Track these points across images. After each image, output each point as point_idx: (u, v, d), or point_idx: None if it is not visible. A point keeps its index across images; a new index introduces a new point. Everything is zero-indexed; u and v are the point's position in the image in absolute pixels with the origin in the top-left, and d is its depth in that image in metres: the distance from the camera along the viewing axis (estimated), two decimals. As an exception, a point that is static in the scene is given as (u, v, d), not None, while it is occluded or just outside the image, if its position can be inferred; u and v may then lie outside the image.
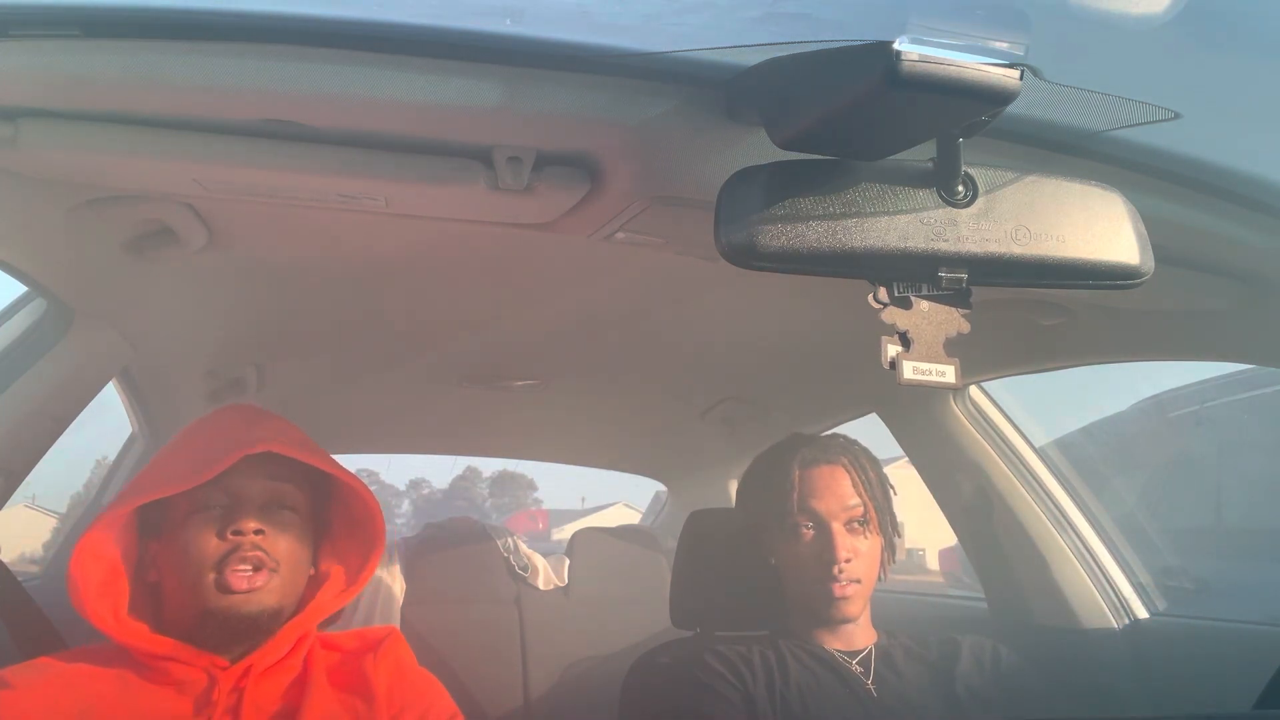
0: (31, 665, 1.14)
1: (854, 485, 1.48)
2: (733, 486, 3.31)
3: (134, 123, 1.02)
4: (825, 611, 1.46)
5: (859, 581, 1.45)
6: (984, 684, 1.47)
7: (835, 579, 1.43)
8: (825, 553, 1.44)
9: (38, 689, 1.09)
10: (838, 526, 1.45)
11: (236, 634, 1.15)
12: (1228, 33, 0.98)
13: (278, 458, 1.20)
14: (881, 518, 1.49)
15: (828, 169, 0.84)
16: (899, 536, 1.54)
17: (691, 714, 1.41)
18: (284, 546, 1.18)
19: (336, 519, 1.30)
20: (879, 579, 1.52)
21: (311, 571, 1.26)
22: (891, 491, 1.54)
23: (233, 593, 1.12)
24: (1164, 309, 1.46)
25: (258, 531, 1.15)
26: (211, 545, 1.14)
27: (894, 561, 1.53)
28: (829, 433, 1.62)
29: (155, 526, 1.20)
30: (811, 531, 1.46)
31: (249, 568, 1.14)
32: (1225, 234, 1.19)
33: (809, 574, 1.46)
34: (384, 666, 1.24)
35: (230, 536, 1.14)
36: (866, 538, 1.46)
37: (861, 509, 1.46)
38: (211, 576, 1.13)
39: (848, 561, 1.43)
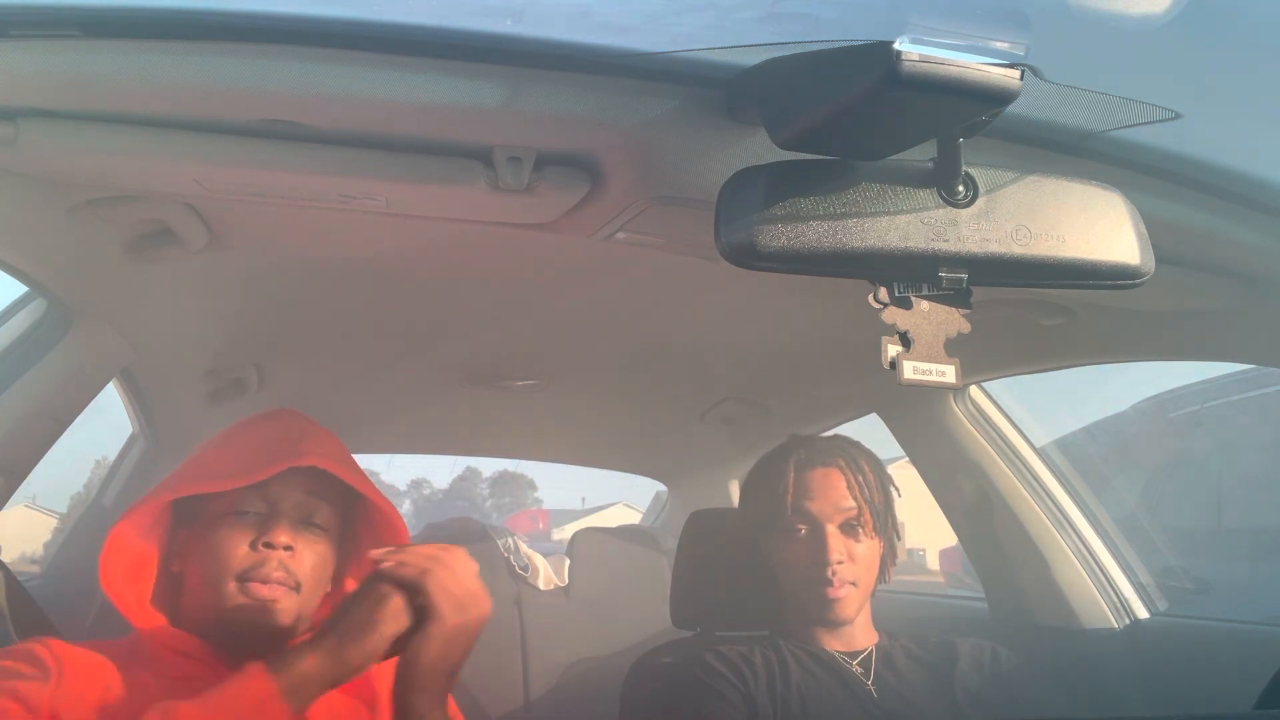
0: (65, 643, 1.11)
1: (849, 487, 1.47)
2: (733, 486, 3.32)
3: (134, 123, 1.02)
4: (820, 614, 1.46)
5: (854, 584, 1.44)
6: (984, 685, 1.47)
7: (828, 581, 1.43)
8: (818, 554, 1.44)
9: (67, 661, 1.07)
10: (832, 529, 1.45)
11: (247, 642, 1.13)
12: (1228, 33, 0.98)
13: (319, 473, 1.18)
14: (880, 520, 1.48)
15: (828, 169, 0.84)
16: (900, 539, 1.53)
17: (691, 714, 1.41)
18: (308, 565, 1.16)
19: (362, 538, 1.28)
20: (882, 581, 1.52)
21: (328, 589, 1.24)
22: (895, 493, 1.53)
23: (251, 600, 1.11)
24: (1164, 309, 1.46)
25: (287, 547, 1.14)
26: (241, 552, 1.13)
27: (895, 564, 1.53)
28: (831, 434, 1.62)
29: (188, 518, 1.18)
30: (805, 532, 1.46)
31: (273, 584, 1.13)
32: (1225, 234, 1.19)
33: (803, 576, 1.46)
34: (386, 668, 1.24)
35: (261, 548, 1.13)
36: (862, 541, 1.46)
37: (856, 511, 1.46)
38: (234, 585, 1.12)
39: (840, 564, 1.43)
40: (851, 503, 1.46)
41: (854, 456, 1.51)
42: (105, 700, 1.05)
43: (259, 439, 1.21)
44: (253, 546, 1.13)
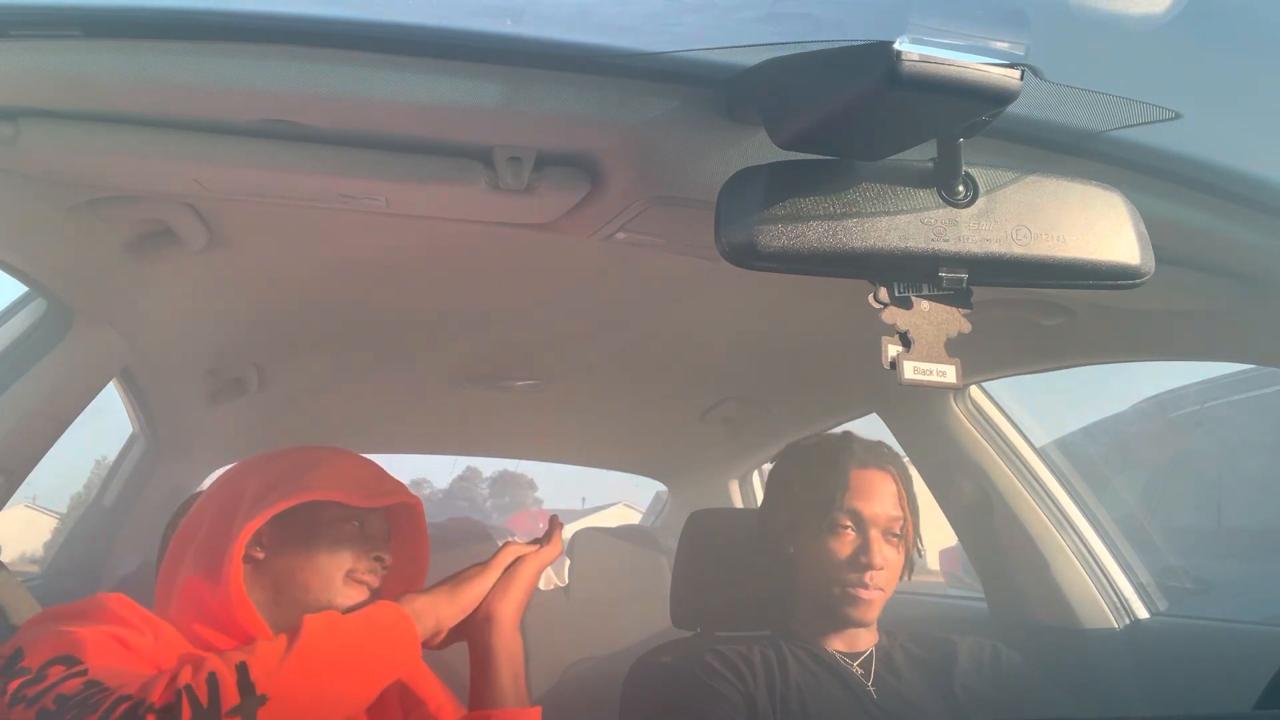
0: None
1: (899, 497, 1.48)
2: (733, 486, 3.32)
3: (134, 123, 1.02)
4: (844, 612, 1.45)
5: (883, 590, 1.45)
6: (984, 684, 1.47)
7: (864, 583, 1.43)
8: (861, 555, 1.43)
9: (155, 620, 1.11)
10: (876, 533, 1.45)
11: None
12: (1228, 33, 0.98)
13: (409, 517, 1.29)
14: (914, 533, 1.49)
15: (828, 169, 0.84)
16: (920, 555, 1.54)
17: (691, 714, 1.41)
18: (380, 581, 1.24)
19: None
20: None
21: None
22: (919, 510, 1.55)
23: (351, 600, 1.17)
24: (1164, 309, 1.46)
25: (385, 565, 1.23)
26: (352, 557, 1.20)
27: (909, 578, 1.53)
28: (876, 439, 1.62)
29: (286, 519, 1.21)
30: (852, 533, 1.45)
31: (371, 588, 1.20)
32: (1225, 234, 1.19)
33: (837, 574, 1.45)
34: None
35: (372, 559, 1.21)
36: (898, 551, 1.47)
37: (901, 521, 1.47)
38: (338, 583, 1.18)
39: (880, 569, 1.43)
40: (898, 512, 1.47)
41: (903, 467, 1.53)
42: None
43: (369, 466, 1.28)
44: (366, 554, 1.21)
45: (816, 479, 1.50)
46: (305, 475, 1.21)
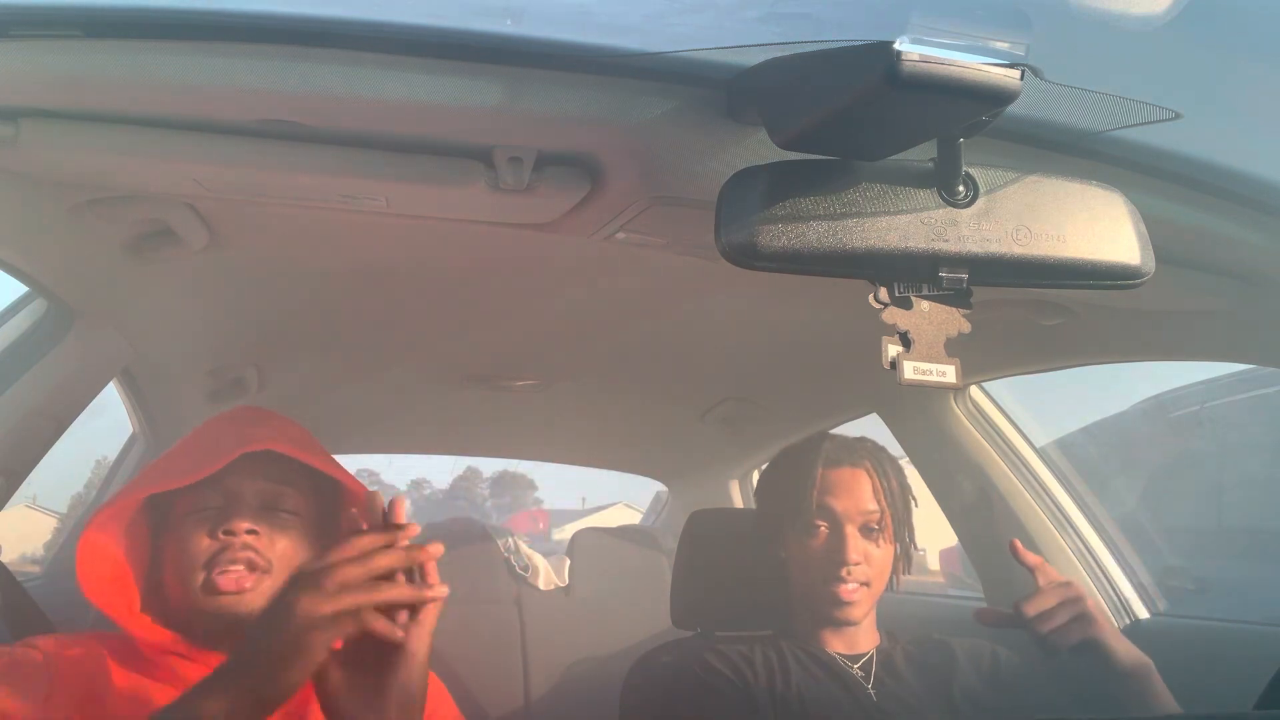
0: (56, 639, 1.11)
1: (874, 491, 1.47)
2: (733, 486, 3.32)
3: (134, 123, 1.02)
4: (829, 612, 1.46)
5: (866, 585, 1.45)
6: (984, 687, 1.47)
7: (843, 580, 1.43)
8: (836, 553, 1.44)
9: (60, 663, 1.07)
10: (851, 529, 1.45)
11: (232, 633, 1.13)
12: (1228, 33, 0.98)
13: (279, 458, 1.18)
14: (898, 527, 1.49)
15: (828, 169, 0.84)
16: (916, 548, 1.53)
17: (691, 714, 1.41)
18: (280, 548, 1.16)
19: (343, 523, 1.28)
20: (891, 588, 1.52)
21: None
22: (913, 503, 1.54)
23: (220, 594, 1.11)
24: (1164, 309, 1.46)
25: (250, 531, 1.14)
26: (203, 545, 1.13)
27: (907, 572, 1.53)
28: (859, 435, 1.61)
29: (161, 524, 1.20)
30: (826, 530, 1.46)
31: (240, 568, 1.12)
32: (1225, 234, 1.19)
33: (817, 572, 1.45)
34: None
35: (221, 536, 1.13)
36: (880, 545, 1.46)
37: (878, 515, 1.46)
38: (201, 576, 1.11)
39: (857, 565, 1.43)
40: (874, 506, 1.46)
41: (880, 460, 1.52)
42: (98, 692, 1.06)
43: (214, 434, 1.22)
44: (213, 536, 1.13)
45: (791, 481, 1.51)
46: (137, 478, 1.18)
